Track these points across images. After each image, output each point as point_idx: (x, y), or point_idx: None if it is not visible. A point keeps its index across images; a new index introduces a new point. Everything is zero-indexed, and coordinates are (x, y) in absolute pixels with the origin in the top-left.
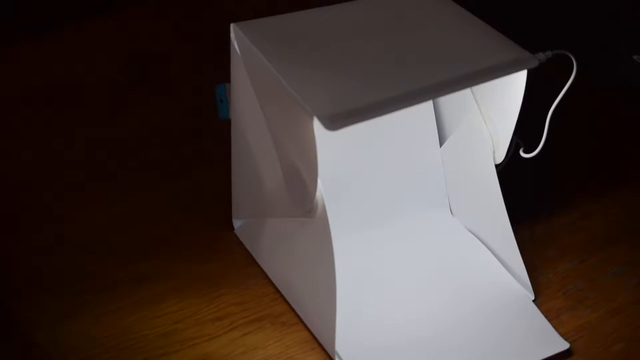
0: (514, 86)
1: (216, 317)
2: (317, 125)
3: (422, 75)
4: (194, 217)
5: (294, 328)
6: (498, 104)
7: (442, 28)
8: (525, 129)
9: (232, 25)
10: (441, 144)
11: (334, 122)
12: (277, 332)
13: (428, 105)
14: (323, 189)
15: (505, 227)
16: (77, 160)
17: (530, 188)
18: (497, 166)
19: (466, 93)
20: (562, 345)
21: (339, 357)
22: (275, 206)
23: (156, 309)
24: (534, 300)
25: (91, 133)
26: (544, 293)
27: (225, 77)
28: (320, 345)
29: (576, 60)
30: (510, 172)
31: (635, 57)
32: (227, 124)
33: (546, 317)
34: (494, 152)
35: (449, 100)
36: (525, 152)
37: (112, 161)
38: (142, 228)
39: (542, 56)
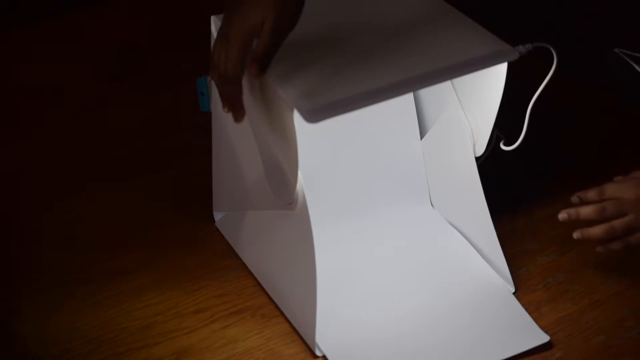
0: (494, 79)
1: (196, 310)
2: (297, 117)
3: (402, 68)
4: (174, 210)
5: (274, 320)
6: (478, 96)
7: (423, 21)
8: (506, 122)
9: (212, 18)
10: (422, 136)
11: (314, 114)
12: (257, 324)
13: (408, 97)
14: (303, 181)
15: (485, 220)
16: (57, 153)
17: (511, 181)
18: (477, 159)
19: (446, 86)
20: (542, 337)
21: (319, 349)
22: (255, 199)
23: (137, 301)
24: (514, 293)
25: (71, 126)
26: (525, 286)
27: (206, 70)
28: (300, 337)
29: (556, 53)
30: (490, 165)
31: (617, 50)
32: (208, 116)
33: (527, 309)
34: (474, 145)
35: (429, 93)
36: (506, 144)
37: (92, 154)
38: (122, 221)
39: (522, 49)
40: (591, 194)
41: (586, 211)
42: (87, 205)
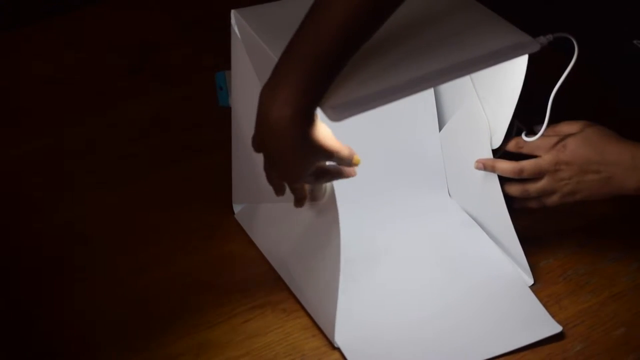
0: (514, 70)
1: (217, 304)
2: (320, 113)
3: (424, 62)
4: (194, 203)
5: (294, 315)
6: (497, 88)
7: (443, 13)
8: (528, 113)
9: (232, 12)
10: (441, 127)
11: (338, 113)
12: (277, 318)
13: (428, 89)
14: None
15: (502, 211)
16: (77, 148)
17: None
18: (496, 151)
19: (465, 77)
20: (555, 328)
21: (338, 343)
22: None
23: (157, 296)
24: (534, 285)
25: (91, 121)
26: (545, 278)
27: (225, 64)
28: (321, 331)
29: (577, 44)
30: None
31: (635, 41)
32: (226, 111)
33: (547, 302)
34: (491, 137)
35: (448, 85)
36: (527, 136)
37: (112, 149)
38: (142, 215)
39: (543, 40)
40: (511, 144)
41: (503, 167)
42: (105, 200)
